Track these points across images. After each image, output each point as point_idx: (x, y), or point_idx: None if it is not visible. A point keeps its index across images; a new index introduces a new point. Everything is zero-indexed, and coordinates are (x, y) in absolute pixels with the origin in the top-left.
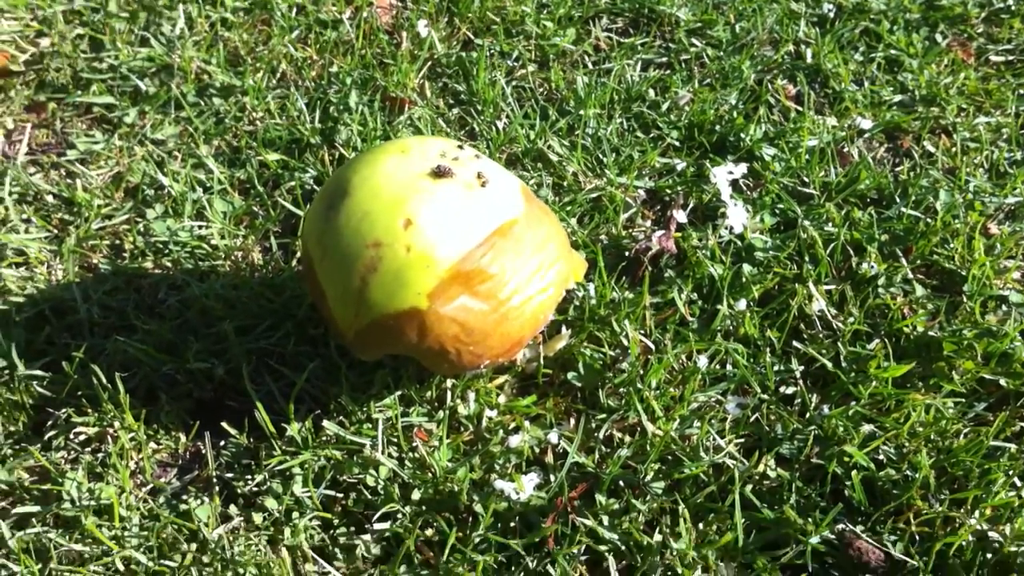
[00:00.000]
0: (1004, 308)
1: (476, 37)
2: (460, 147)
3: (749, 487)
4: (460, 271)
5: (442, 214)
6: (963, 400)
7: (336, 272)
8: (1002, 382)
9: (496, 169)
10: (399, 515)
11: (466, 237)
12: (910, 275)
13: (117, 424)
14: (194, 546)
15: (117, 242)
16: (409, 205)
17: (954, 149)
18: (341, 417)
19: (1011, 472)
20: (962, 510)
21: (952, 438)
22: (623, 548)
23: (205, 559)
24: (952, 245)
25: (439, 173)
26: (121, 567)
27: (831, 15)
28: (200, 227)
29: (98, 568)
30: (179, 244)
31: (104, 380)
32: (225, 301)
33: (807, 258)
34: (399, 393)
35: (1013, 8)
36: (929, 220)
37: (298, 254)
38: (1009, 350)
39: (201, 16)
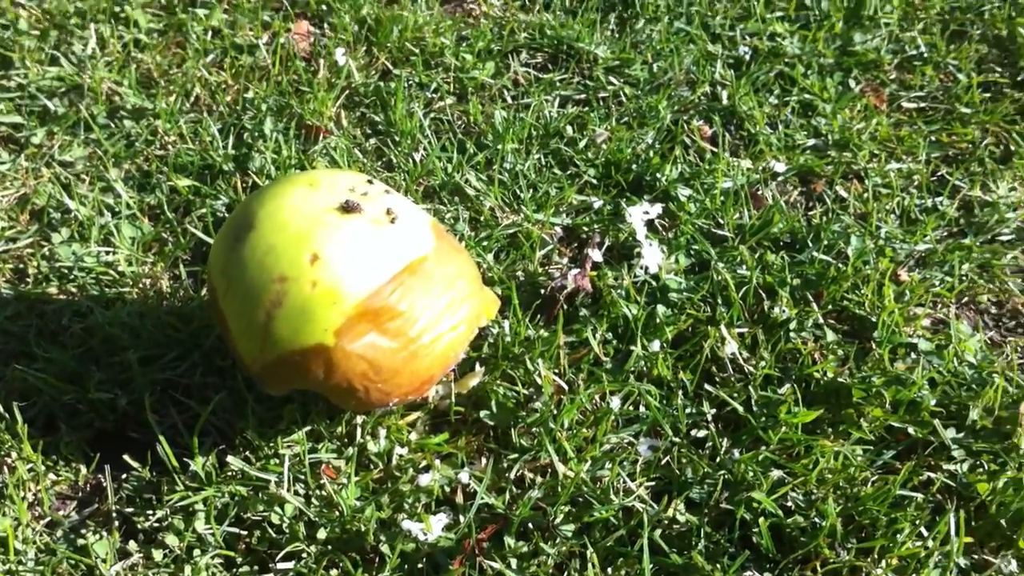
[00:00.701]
0: (913, 356)
1: (395, 67)
2: (370, 182)
3: (658, 532)
4: (368, 308)
5: (349, 250)
6: (871, 447)
7: (241, 306)
8: (910, 430)
9: (406, 205)
10: (304, 555)
11: (374, 274)
12: (821, 320)
13: (14, 454)
14: None
15: (21, 266)
16: (316, 240)
17: (866, 195)
18: (247, 452)
19: (917, 522)
20: (868, 559)
21: (860, 486)
22: None
23: None
24: (863, 291)
25: (347, 208)
26: None
27: (747, 57)
28: (107, 253)
29: None
30: (84, 270)
31: (1, 409)
32: (130, 330)
33: (720, 300)
34: (308, 428)
35: (925, 55)
36: (841, 265)
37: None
38: (917, 398)
39: (113, 36)
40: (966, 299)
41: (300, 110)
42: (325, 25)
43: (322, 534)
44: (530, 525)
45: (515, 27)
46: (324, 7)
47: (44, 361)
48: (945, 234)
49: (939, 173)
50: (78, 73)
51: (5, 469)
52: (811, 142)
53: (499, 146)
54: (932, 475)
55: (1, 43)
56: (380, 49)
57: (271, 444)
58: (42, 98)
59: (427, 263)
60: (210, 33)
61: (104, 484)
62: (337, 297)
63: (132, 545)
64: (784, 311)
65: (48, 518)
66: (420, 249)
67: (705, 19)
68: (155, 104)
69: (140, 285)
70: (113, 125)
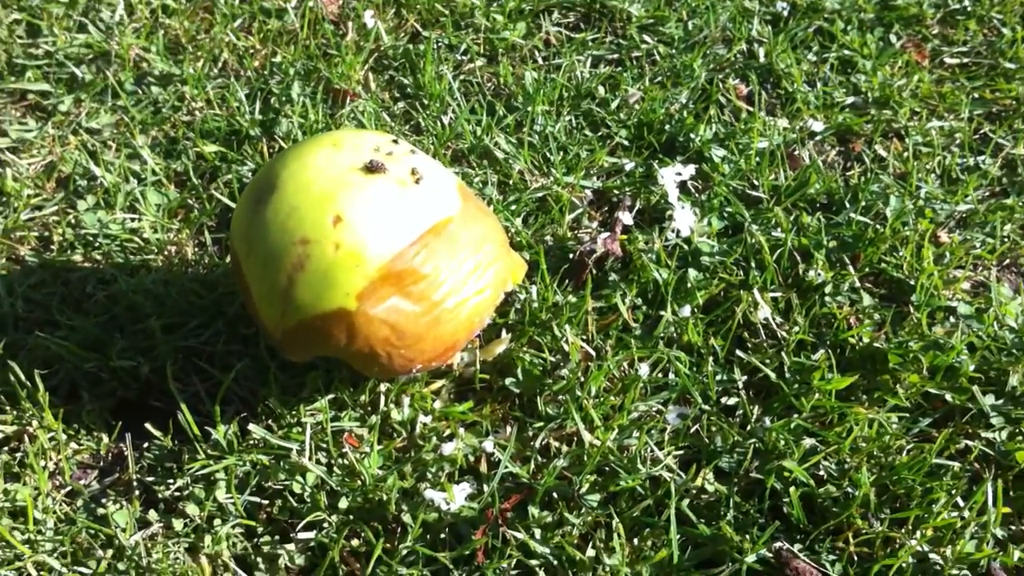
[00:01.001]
0: (952, 320)
1: (424, 29)
2: (395, 142)
3: (686, 501)
4: (391, 271)
5: (373, 211)
6: (907, 415)
7: (262, 270)
8: (947, 397)
9: (432, 165)
10: (325, 524)
11: (398, 235)
12: (857, 283)
13: (36, 423)
14: (110, 552)
15: (46, 234)
16: (339, 201)
17: (906, 154)
18: (269, 420)
19: (954, 491)
20: (903, 530)
21: (895, 454)
22: (555, 563)
23: (120, 566)
24: (901, 253)
25: (371, 168)
26: (33, 572)
27: (785, 13)
28: (132, 220)
29: (9, 573)
30: (110, 237)
31: (23, 377)
32: (154, 297)
33: (753, 264)
34: (331, 396)
35: (969, 9)
36: (878, 227)
37: None
38: (955, 363)
39: (142, 2)
40: (1008, 261)
41: (328, 74)
42: None
43: (344, 503)
44: (555, 495)
45: None
46: None
47: (67, 329)
48: (987, 194)
49: (982, 131)
50: (106, 40)
51: (26, 438)
52: (850, 100)
53: (529, 108)
54: (969, 443)
55: (30, 11)
56: (409, 11)
57: (293, 412)
58: (70, 65)
59: (452, 225)
60: None
61: (125, 453)
62: (360, 260)
63: (152, 515)
64: (819, 274)
65: (69, 487)
66: (446, 210)
67: None
68: (183, 70)
69: (165, 252)
70: (140, 92)
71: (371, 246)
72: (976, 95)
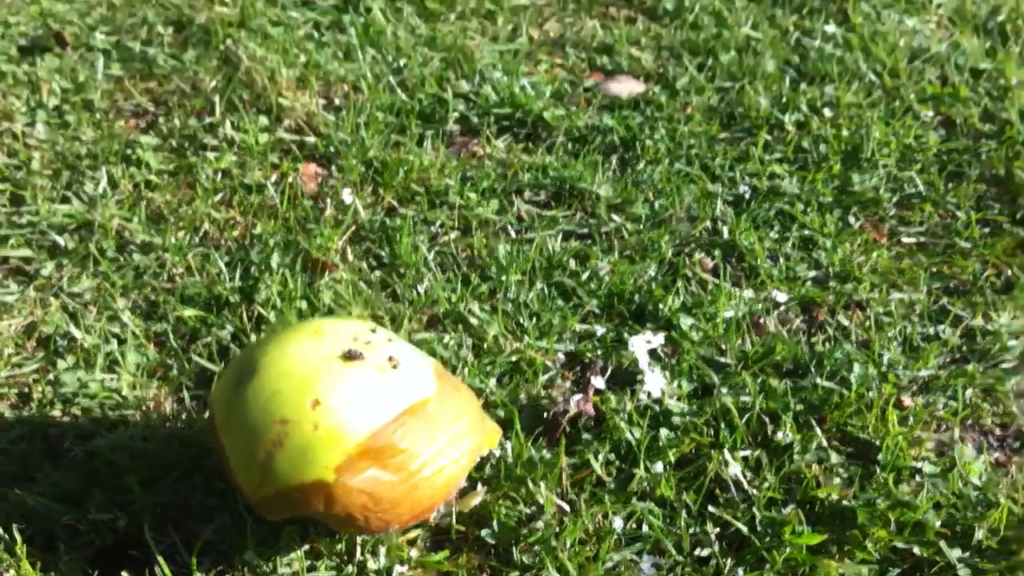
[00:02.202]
0: (918, 479)
1: (400, 205)
2: (373, 331)
3: None
4: (370, 447)
5: (352, 395)
6: (876, 567)
7: (241, 442)
8: (915, 550)
9: (409, 352)
10: None
11: (376, 415)
12: (824, 443)
13: (13, 573)
14: None
15: (25, 391)
16: (318, 386)
17: (868, 323)
18: (246, 570)
19: None
20: None
21: None
22: None
23: None
24: (866, 416)
25: (350, 356)
26: None
27: (747, 195)
28: (111, 379)
29: None
30: (88, 395)
31: (0, 531)
32: (132, 453)
33: (723, 424)
34: (307, 547)
35: (924, 193)
36: (844, 391)
37: None
38: (922, 519)
39: (124, 176)
40: (970, 421)
41: (306, 245)
42: (332, 167)
43: None
44: None
45: (518, 168)
46: (332, 149)
47: (45, 484)
48: (948, 360)
49: (940, 303)
50: (88, 211)
51: None
52: (812, 274)
53: (503, 278)
54: None
55: (14, 182)
56: (386, 189)
57: (270, 563)
58: (52, 234)
59: (429, 405)
60: (219, 174)
61: None
62: (338, 438)
63: None
64: (788, 435)
65: None
66: (422, 392)
67: (704, 161)
68: (164, 239)
69: (143, 408)
70: (122, 259)
71: (350, 426)
72: (934, 270)
